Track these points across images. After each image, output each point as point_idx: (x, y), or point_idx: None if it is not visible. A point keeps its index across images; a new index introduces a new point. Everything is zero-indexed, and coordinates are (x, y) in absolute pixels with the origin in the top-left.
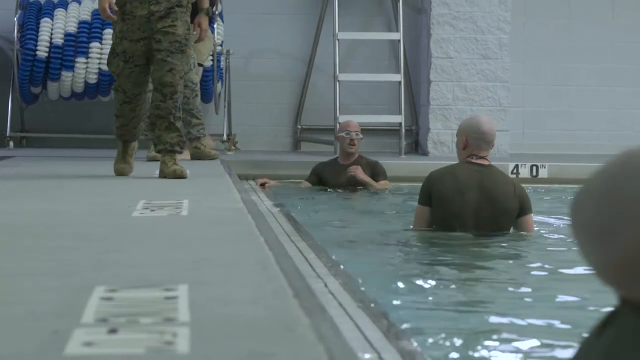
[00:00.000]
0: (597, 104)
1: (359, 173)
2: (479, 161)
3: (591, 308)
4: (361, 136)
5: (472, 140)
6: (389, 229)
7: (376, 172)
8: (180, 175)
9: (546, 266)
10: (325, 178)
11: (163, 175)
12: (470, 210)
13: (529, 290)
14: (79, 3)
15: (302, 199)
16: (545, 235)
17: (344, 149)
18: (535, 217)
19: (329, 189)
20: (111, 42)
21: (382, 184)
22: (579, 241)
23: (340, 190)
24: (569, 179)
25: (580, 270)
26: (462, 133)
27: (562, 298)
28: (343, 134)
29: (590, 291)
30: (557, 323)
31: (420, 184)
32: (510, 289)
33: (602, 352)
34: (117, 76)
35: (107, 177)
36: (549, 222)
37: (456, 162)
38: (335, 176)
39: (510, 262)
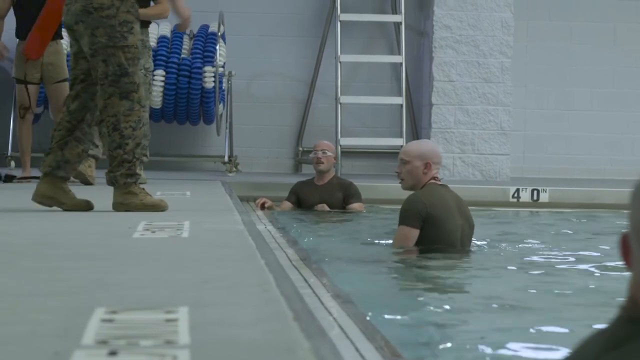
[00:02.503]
0: (598, 129)
1: (325, 210)
2: (440, 183)
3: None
4: (329, 154)
5: (435, 164)
6: (383, 250)
7: (349, 193)
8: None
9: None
10: (301, 198)
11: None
12: (458, 231)
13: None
14: None
15: (299, 221)
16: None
17: (314, 169)
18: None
19: (302, 209)
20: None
21: (355, 207)
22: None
23: (314, 210)
24: (570, 204)
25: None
26: (425, 157)
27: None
28: (312, 154)
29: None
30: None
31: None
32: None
33: None
34: (137, 87)
35: (108, 198)
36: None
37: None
38: (309, 196)
39: (507, 276)
